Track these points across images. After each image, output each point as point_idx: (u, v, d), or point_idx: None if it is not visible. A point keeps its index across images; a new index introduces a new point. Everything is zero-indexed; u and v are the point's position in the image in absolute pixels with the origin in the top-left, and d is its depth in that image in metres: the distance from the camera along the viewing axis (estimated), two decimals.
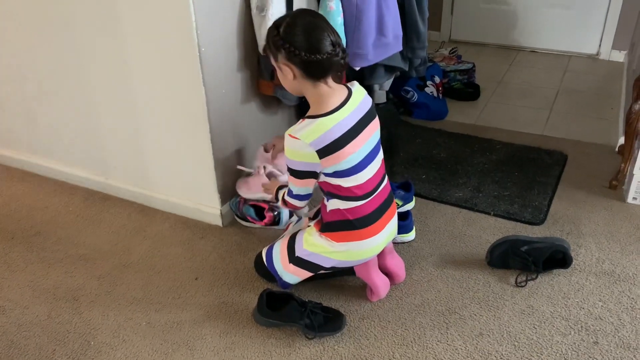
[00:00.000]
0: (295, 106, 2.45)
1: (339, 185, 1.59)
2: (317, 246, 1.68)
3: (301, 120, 1.55)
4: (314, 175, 1.60)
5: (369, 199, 1.63)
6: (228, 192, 2.14)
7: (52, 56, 2.15)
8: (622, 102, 3.02)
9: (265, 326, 1.67)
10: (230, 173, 2.15)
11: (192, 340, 1.64)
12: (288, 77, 1.54)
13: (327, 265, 1.70)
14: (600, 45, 3.76)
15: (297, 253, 1.71)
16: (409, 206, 2.16)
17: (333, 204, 1.63)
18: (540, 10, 3.82)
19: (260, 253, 1.83)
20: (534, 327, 1.66)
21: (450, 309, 1.73)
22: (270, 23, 1.92)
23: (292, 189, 1.67)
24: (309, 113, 1.56)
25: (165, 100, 1.98)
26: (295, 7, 1.98)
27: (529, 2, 3.83)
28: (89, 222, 2.20)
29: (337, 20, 2.00)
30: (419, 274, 1.88)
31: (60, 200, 2.36)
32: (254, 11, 1.98)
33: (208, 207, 2.13)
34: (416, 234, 2.05)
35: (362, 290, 1.79)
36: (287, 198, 1.72)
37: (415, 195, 2.25)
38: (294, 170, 1.60)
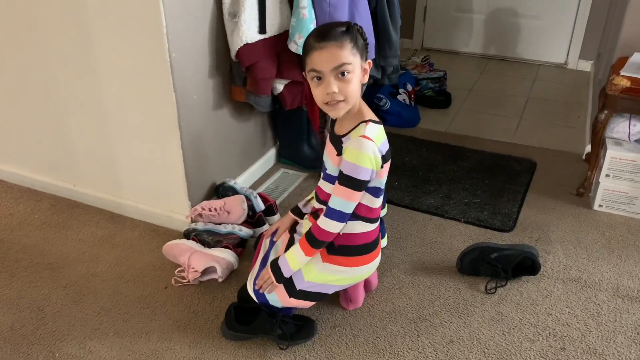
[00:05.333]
0: (268, 113, 2.44)
1: (369, 206, 1.53)
2: (322, 275, 1.58)
3: (365, 123, 1.46)
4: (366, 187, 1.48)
5: (378, 222, 1.62)
6: (199, 200, 2.12)
7: (18, 61, 2.10)
8: (588, 110, 3.09)
9: (235, 340, 1.64)
10: (201, 180, 2.13)
11: (161, 351, 1.61)
12: (365, 78, 1.47)
13: (332, 291, 1.64)
14: (568, 55, 3.85)
15: (299, 287, 1.58)
16: (382, 213, 2.15)
17: (351, 227, 1.54)
18: (511, 20, 3.89)
19: (244, 288, 1.69)
20: (503, 333, 1.67)
21: (421, 316, 1.74)
22: (242, 29, 1.92)
23: (343, 207, 1.47)
24: (368, 117, 1.47)
25: (135, 106, 1.95)
26: (268, 14, 1.98)
27: (499, 11, 3.90)
28: (56, 230, 2.15)
29: (309, 28, 2.00)
30: (390, 281, 1.89)
31: (26, 207, 2.30)
32: (226, 17, 1.97)
33: (178, 214, 2.10)
34: (388, 241, 2.06)
35: (333, 298, 1.78)
36: (328, 222, 1.48)
37: (388, 202, 2.26)
38: (359, 180, 1.43)
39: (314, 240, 1.52)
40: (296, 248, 1.56)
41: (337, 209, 1.47)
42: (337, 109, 1.44)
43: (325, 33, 1.39)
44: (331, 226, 1.49)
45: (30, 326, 1.70)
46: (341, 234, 1.55)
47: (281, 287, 1.59)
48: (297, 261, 1.56)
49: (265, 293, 1.61)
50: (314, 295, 1.61)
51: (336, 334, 1.67)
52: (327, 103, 1.43)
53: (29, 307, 1.78)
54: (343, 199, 1.46)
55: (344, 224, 1.51)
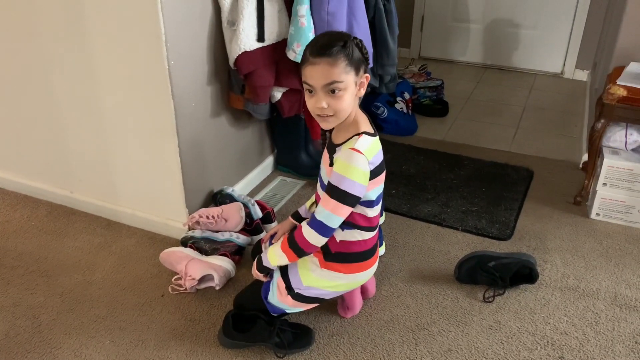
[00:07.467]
0: (266, 120, 2.45)
1: (364, 215, 1.52)
2: (320, 281, 1.58)
3: (357, 135, 1.44)
4: (357, 202, 1.46)
5: (376, 230, 1.61)
6: (196, 207, 2.11)
7: (16, 67, 2.10)
8: (585, 119, 3.10)
9: (232, 348, 1.63)
10: (199, 187, 2.13)
11: (158, 359, 1.60)
12: (361, 91, 1.46)
13: (328, 297, 1.63)
14: (564, 65, 3.87)
15: (297, 290, 1.58)
16: (380, 221, 2.16)
17: (348, 235, 1.54)
18: (507, 30, 3.92)
19: (241, 296, 1.70)
20: (501, 342, 1.67)
21: (419, 325, 1.73)
22: (241, 37, 1.92)
23: (326, 219, 1.44)
24: (363, 129, 1.46)
25: (133, 113, 1.95)
26: (267, 22, 1.98)
27: (496, 21, 3.92)
28: (52, 237, 2.14)
29: (308, 36, 2.00)
30: (388, 289, 1.88)
31: (22, 214, 2.29)
32: (224, 25, 1.98)
33: (176, 221, 2.09)
34: (386, 249, 2.05)
35: (331, 306, 1.78)
36: (309, 232, 1.46)
37: (385, 210, 2.26)
38: (349, 194, 1.41)
39: (294, 243, 1.50)
40: (277, 244, 1.57)
41: (319, 219, 1.44)
42: (327, 122, 1.45)
43: (321, 48, 1.37)
44: (312, 237, 1.46)
45: (26, 334, 1.69)
46: (338, 241, 1.55)
47: (280, 280, 1.60)
48: (274, 254, 1.57)
49: (269, 290, 1.61)
50: (310, 299, 1.61)
51: (334, 342, 1.67)
52: (318, 115, 1.45)
53: (24, 314, 1.76)
54: (327, 211, 1.43)
55: (325, 238, 1.47)
